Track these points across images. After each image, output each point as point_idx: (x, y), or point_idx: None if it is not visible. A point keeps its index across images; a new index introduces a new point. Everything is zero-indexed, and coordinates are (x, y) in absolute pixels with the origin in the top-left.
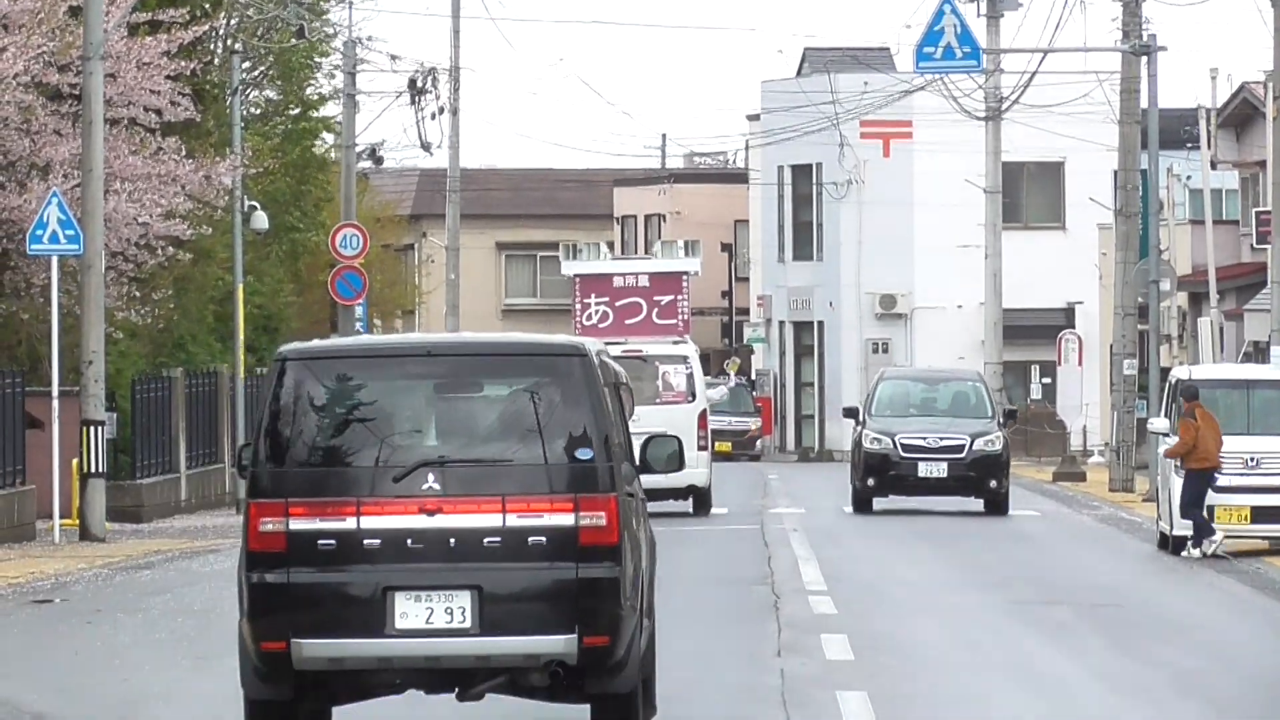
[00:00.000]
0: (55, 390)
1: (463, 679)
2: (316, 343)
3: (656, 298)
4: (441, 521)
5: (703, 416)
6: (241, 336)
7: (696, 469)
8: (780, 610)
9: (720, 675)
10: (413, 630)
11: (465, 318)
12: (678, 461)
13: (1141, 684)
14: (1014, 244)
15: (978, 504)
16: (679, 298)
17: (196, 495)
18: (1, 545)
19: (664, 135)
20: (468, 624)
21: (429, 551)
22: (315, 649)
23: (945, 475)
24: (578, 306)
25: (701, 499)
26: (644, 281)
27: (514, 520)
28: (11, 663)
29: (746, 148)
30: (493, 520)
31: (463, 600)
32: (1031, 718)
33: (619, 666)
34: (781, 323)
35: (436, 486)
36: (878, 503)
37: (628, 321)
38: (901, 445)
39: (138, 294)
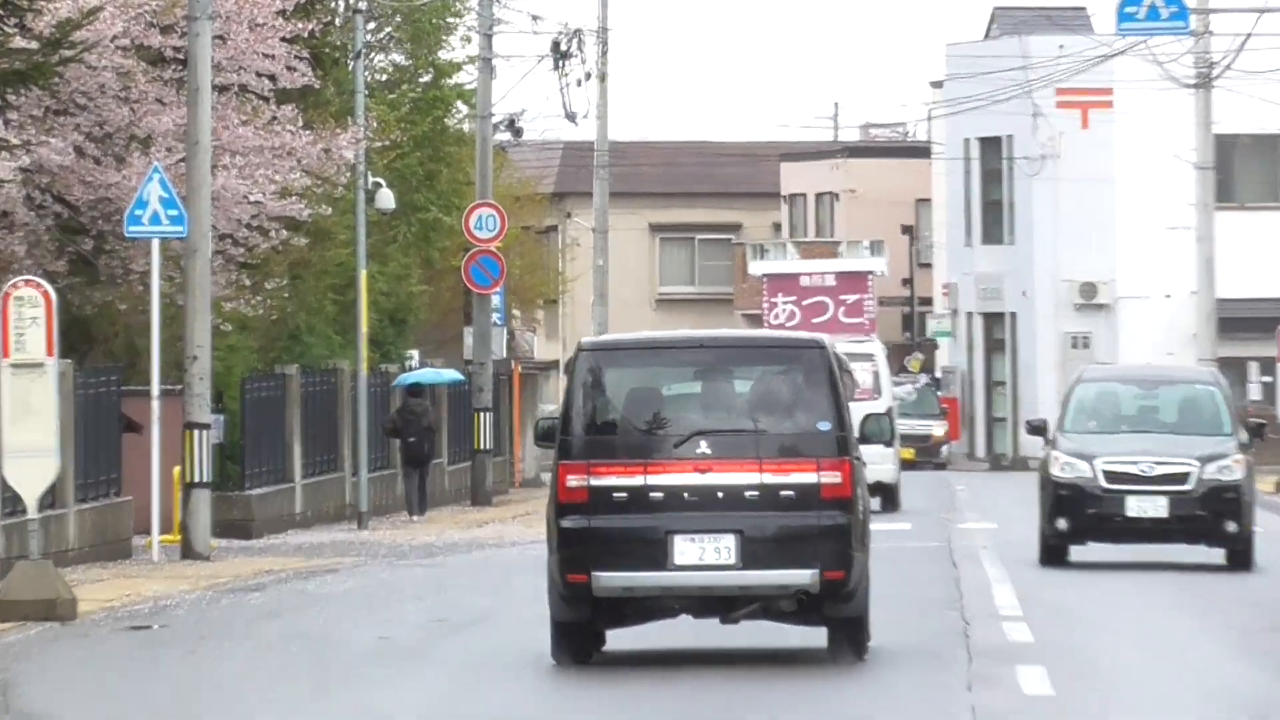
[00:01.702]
0: (155, 390)
1: (726, 605)
2: (608, 336)
3: (842, 297)
4: (711, 479)
5: (889, 414)
6: (365, 329)
7: (884, 465)
8: (971, 638)
9: (904, 712)
10: (688, 565)
11: (615, 308)
12: (889, 434)
13: None
14: (1228, 226)
15: (1213, 554)
16: (864, 297)
17: (313, 508)
18: (95, 564)
19: (836, 104)
20: (732, 560)
21: (701, 502)
22: (611, 580)
23: (1165, 515)
24: (765, 305)
25: (890, 496)
26: (830, 281)
27: (769, 478)
28: (104, 699)
29: (929, 118)
30: (752, 478)
31: (728, 541)
32: None
33: (850, 595)
34: (969, 314)
35: (708, 451)
36: (1075, 552)
37: (814, 320)
38: (1104, 473)
39: (248, 281)
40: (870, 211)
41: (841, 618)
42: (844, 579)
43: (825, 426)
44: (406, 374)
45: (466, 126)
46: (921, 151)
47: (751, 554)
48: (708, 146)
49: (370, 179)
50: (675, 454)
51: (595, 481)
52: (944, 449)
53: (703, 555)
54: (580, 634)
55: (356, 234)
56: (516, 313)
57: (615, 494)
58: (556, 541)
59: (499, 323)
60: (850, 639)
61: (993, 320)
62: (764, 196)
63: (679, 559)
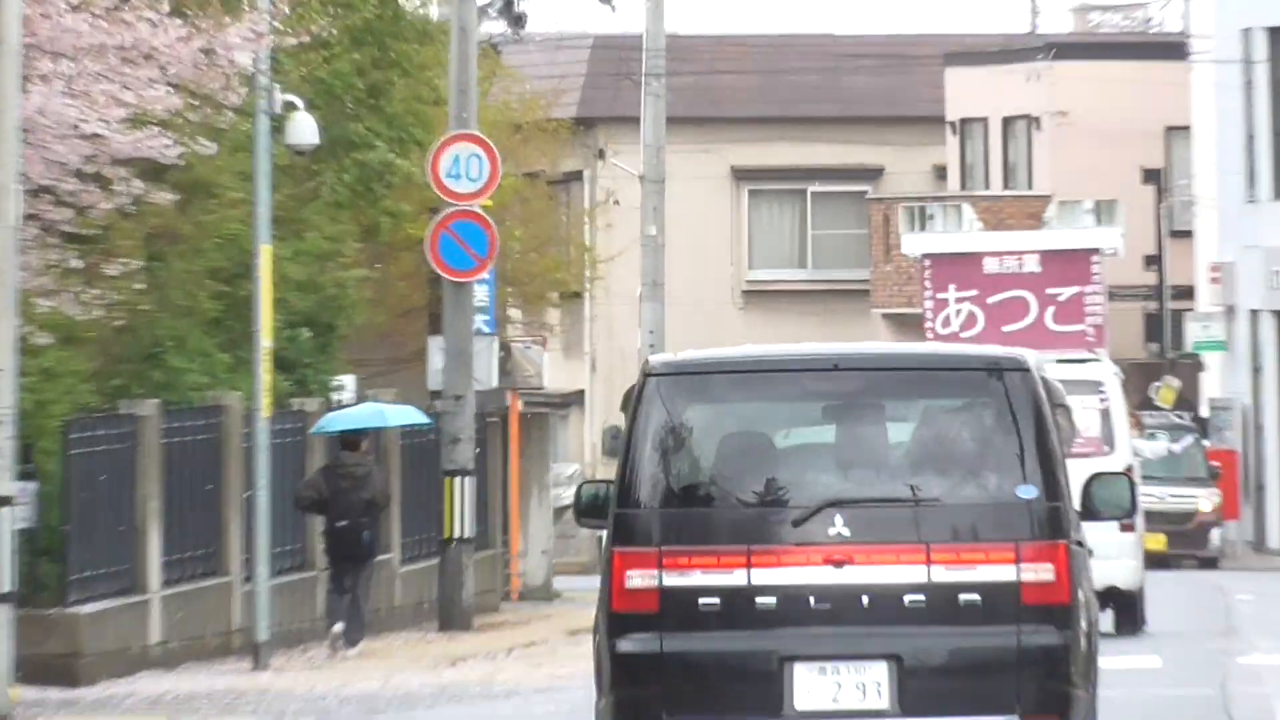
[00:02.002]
0: None
1: None
2: (690, 355)
3: (1051, 290)
4: (851, 576)
5: (1129, 476)
6: (267, 341)
7: (1119, 561)
8: None
9: None
10: (817, 711)
11: (677, 305)
12: (1129, 507)
13: None
14: None
15: None
16: (1087, 290)
17: (180, 635)
18: None
19: None
20: (884, 703)
21: (836, 613)
22: None
23: None
24: (930, 304)
25: (1128, 609)
26: (1032, 265)
27: (940, 574)
28: None
29: None
30: (915, 574)
31: (878, 673)
32: None
33: None
34: (1255, 313)
35: (845, 532)
36: None
37: (1006, 328)
38: None
39: (79, 264)
40: (1091, 147)
41: None
42: None
43: (1029, 493)
44: (335, 413)
45: (434, 10)
46: (1173, 50)
47: (914, 693)
48: (824, 43)
49: (279, 97)
50: (795, 537)
51: (671, 580)
52: (1215, 534)
53: (838, 695)
54: None
55: (255, 187)
56: (515, 314)
57: (701, 599)
58: (609, 676)
59: (487, 330)
60: None
61: None
62: (919, 122)
63: (801, 701)
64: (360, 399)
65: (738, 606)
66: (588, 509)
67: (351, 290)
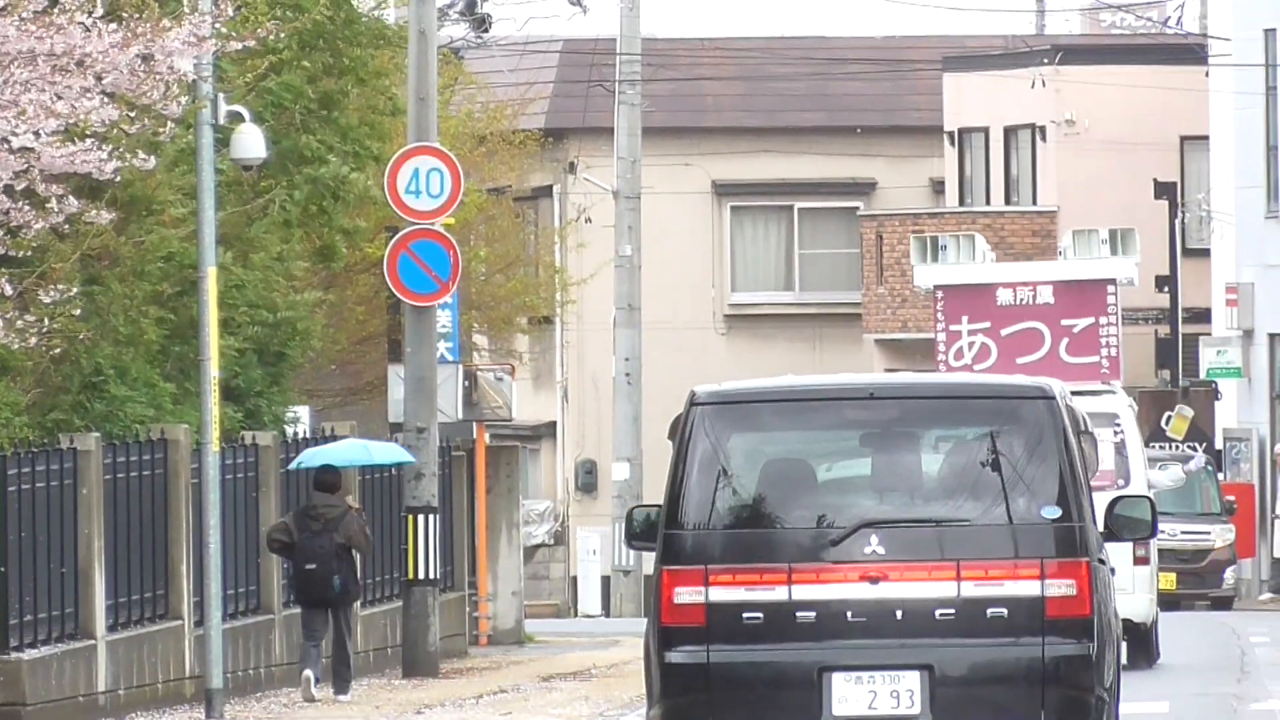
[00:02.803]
0: None
1: None
2: (734, 385)
3: (1066, 322)
4: (886, 591)
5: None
6: (214, 369)
7: (1133, 595)
8: None
9: None
10: (853, 718)
11: (656, 330)
12: (1150, 530)
13: None
14: None
15: None
16: (1102, 320)
17: (129, 681)
18: None
19: None
20: (916, 710)
21: (872, 626)
22: None
23: None
24: (943, 335)
25: (1141, 643)
26: (1046, 296)
27: (970, 589)
28: None
29: None
30: (946, 589)
31: (911, 682)
32: None
33: None
34: (1274, 337)
35: (881, 550)
36: None
37: (1020, 360)
38: None
39: (10, 290)
40: (1100, 158)
41: None
42: None
43: (1053, 513)
44: (316, 449)
45: (391, 13)
46: (1190, 54)
47: (944, 701)
48: (813, 46)
49: (223, 107)
50: (834, 555)
51: (717, 596)
52: (1229, 573)
53: (874, 702)
54: None
55: (199, 204)
56: (481, 341)
57: (746, 614)
58: (659, 686)
59: (450, 358)
60: None
61: None
62: (914, 132)
63: (839, 708)
64: (315, 431)
65: (779, 620)
66: (639, 531)
67: (305, 315)
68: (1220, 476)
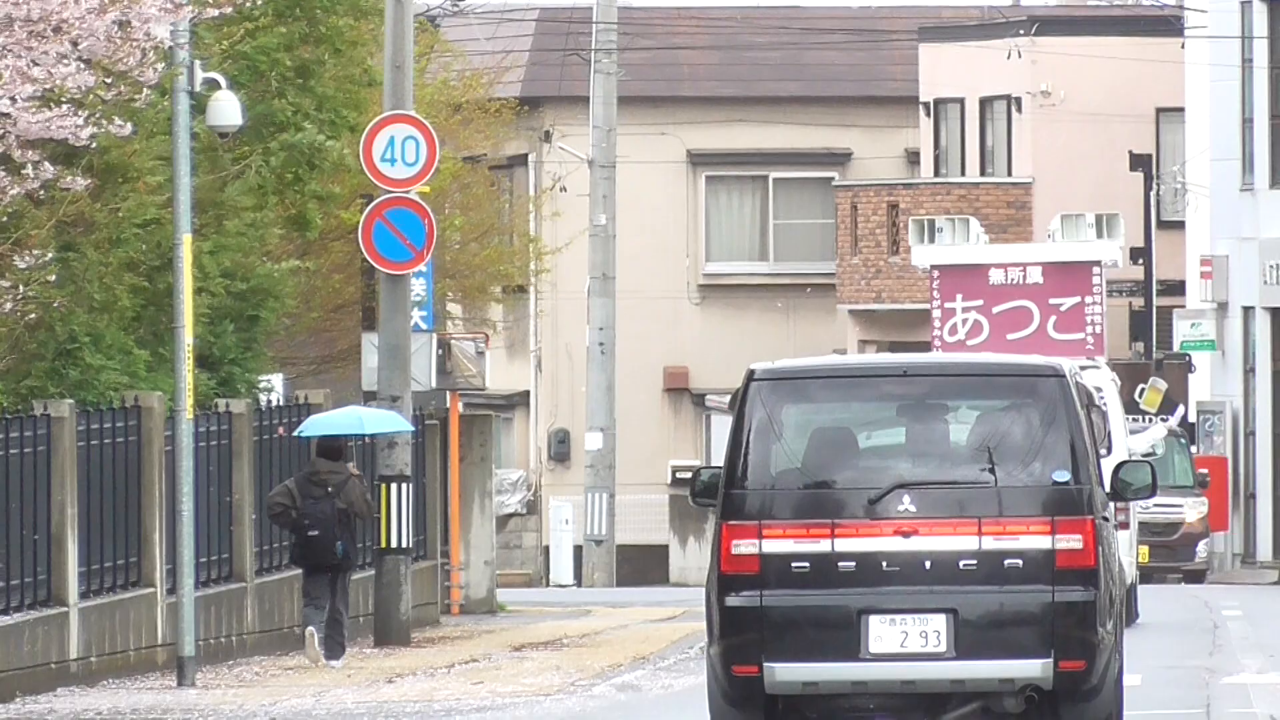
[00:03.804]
0: None
1: (936, 705)
2: (787, 363)
3: (1054, 301)
4: (917, 544)
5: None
6: (189, 337)
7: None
8: None
9: None
10: (887, 654)
11: (630, 300)
12: (1149, 491)
13: None
14: None
15: None
16: (1088, 300)
17: (101, 649)
18: None
19: None
20: (943, 648)
21: (904, 574)
22: (788, 672)
23: None
24: (938, 313)
25: (1125, 603)
26: (1035, 277)
27: (990, 543)
28: None
29: None
30: (968, 543)
31: (938, 624)
32: None
33: (1094, 692)
34: (1249, 310)
35: (912, 508)
36: None
37: (1011, 336)
38: None
39: None
40: (1075, 130)
41: None
42: (1085, 671)
43: (1063, 477)
44: (315, 417)
45: None
46: (1166, 25)
47: (967, 639)
48: (789, 16)
49: (200, 74)
50: (871, 513)
51: (768, 547)
52: (1202, 546)
53: (905, 641)
54: None
55: (175, 171)
56: (455, 309)
57: (794, 563)
58: (719, 626)
59: (425, 326)
60: None
61: None
62: (890, 103)
63: (875, 646)
64: (289, 397)
65: (824, 569)
66: (703, 489)
67: (279, 282)
68: (1193, 449)
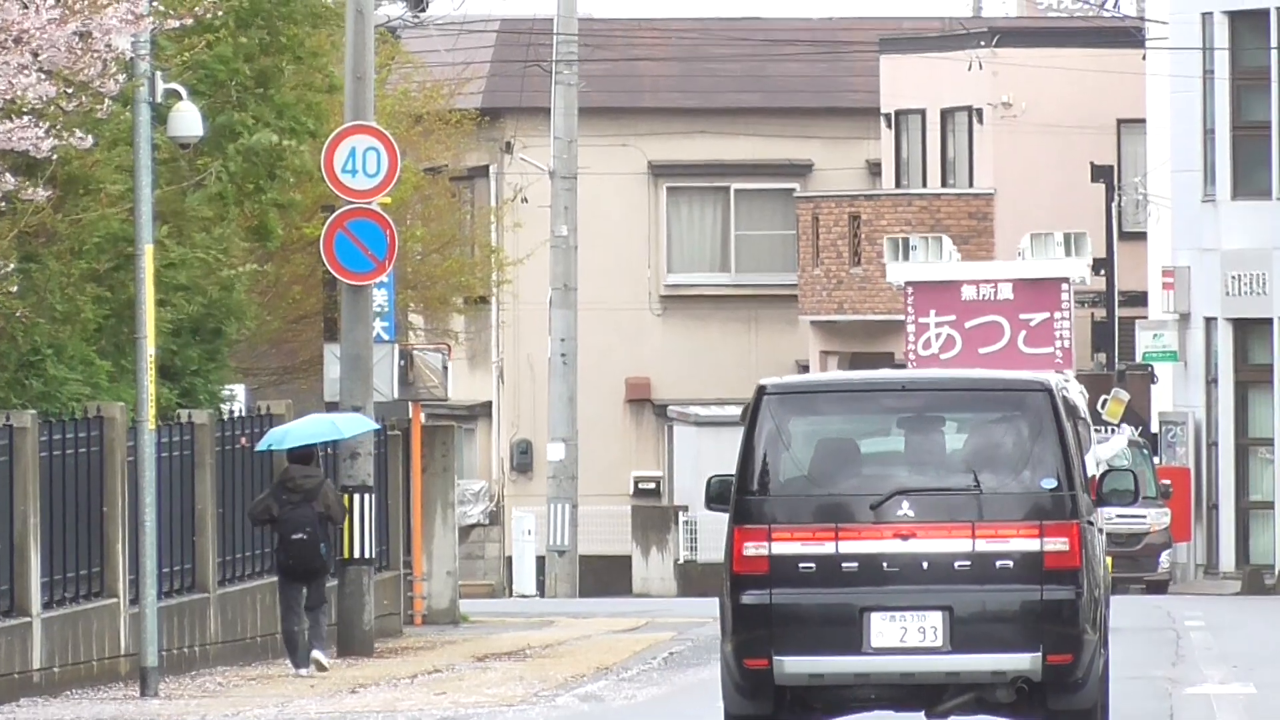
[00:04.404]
0: None
1: (932, 695)
2: (794, 378)
3: (1024, 316)
4: (915, 546)
5: (1092, 485)
6: (151, 348)
7: None
8: None
9: None
10: (888, 648)
11: (592, 311)
12: (1133, 497)
13: None
14: None
15: None
16: (1057, 315)
17: (64, 659)
18: None
19: None
20: (939, 642)
21: (903, 574)
22: (796, 665)
23: None
24: (912, 328)
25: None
26: (1006, 293)
27: (983, 545)
28: None
29: None
30: (963, 545)
31: (934, 620)
32: None
33: (1079, 684)
34: (1210, 320)
35: (910, 513)
36: None
37: (983, 350)
38: None
39: None
40: (1037, 141)
41: (1070, 710)
42: (1071, 664)
43: (1050, 484)
44: (282, 428)
45: None
46: (1127, 37)
47: (962, 635)
48: (750, 27)
49: (161, 85)
50: (873, 517)
51: (777, 549)
52: (1164, 556)
53: (904, 636)
54: None
55: (136, 182)
56: (417, 320)
57: (801, 564)
58: (731, 623)
59: (386, 337)
60: None
61: (1251, 330)
62: (851, 114)
63: (877, 640)
64: (251, 407)
65: (828, 569)
66: (716, 496)
67: (240, 291)
68: (1156, 460)
